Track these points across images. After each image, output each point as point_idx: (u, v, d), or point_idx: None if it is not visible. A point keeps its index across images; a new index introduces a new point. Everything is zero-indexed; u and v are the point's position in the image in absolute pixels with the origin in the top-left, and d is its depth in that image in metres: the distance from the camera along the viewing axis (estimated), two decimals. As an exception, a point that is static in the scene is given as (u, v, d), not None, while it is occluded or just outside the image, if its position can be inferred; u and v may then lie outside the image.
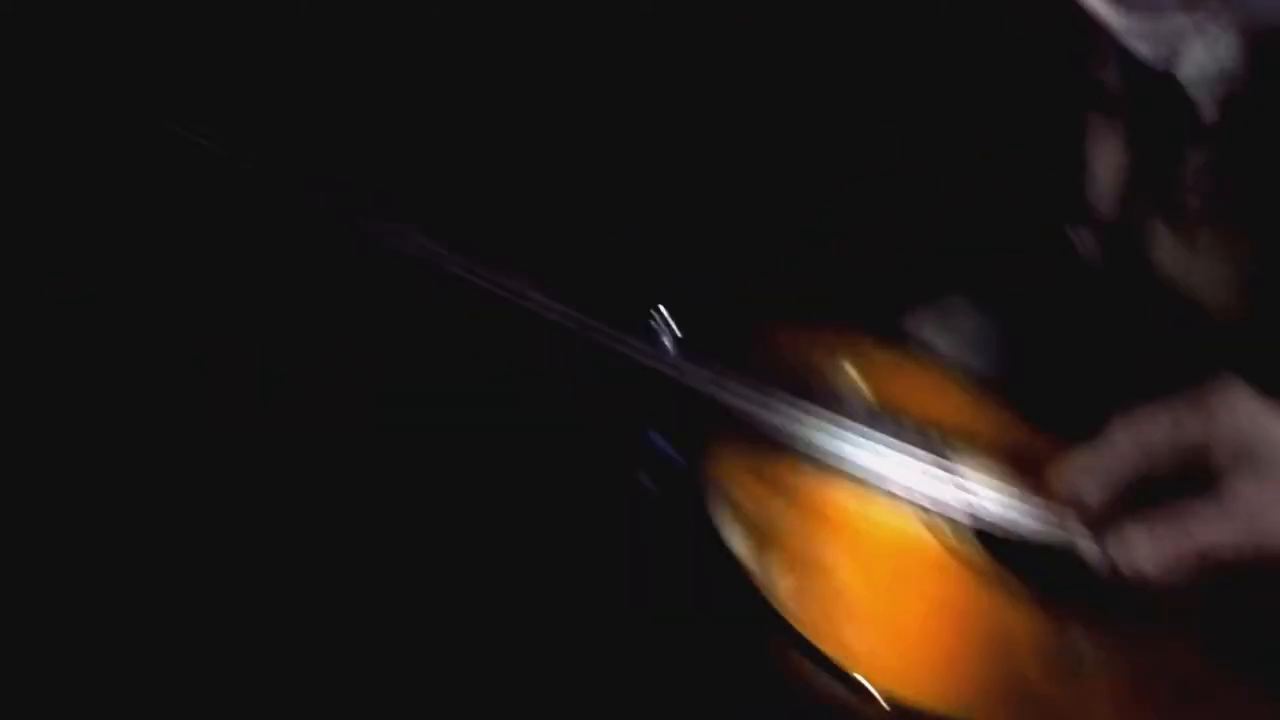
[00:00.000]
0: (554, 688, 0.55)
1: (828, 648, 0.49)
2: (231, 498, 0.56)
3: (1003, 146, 0.71)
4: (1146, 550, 0.55)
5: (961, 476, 0.59)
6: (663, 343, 0.57)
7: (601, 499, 0.56)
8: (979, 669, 0.52)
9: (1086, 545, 0.59)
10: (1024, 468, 0.62)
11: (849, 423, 0.58)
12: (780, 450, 0.56)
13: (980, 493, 0.59)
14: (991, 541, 0.58)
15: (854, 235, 0.72)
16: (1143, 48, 0.62)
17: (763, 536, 0.52)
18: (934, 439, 0.60)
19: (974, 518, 0.59)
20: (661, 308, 0.57)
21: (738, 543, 0.51)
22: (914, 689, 0.48)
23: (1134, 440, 0.58)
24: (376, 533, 0.57)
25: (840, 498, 0.56)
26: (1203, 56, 0.62)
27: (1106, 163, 0.69)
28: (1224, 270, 0.70)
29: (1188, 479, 0.59)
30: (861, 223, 0.72)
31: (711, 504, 0.52)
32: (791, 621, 0.49)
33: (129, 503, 0.55)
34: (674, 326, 0.58)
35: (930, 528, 0.57)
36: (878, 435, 0.58)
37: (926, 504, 0.57)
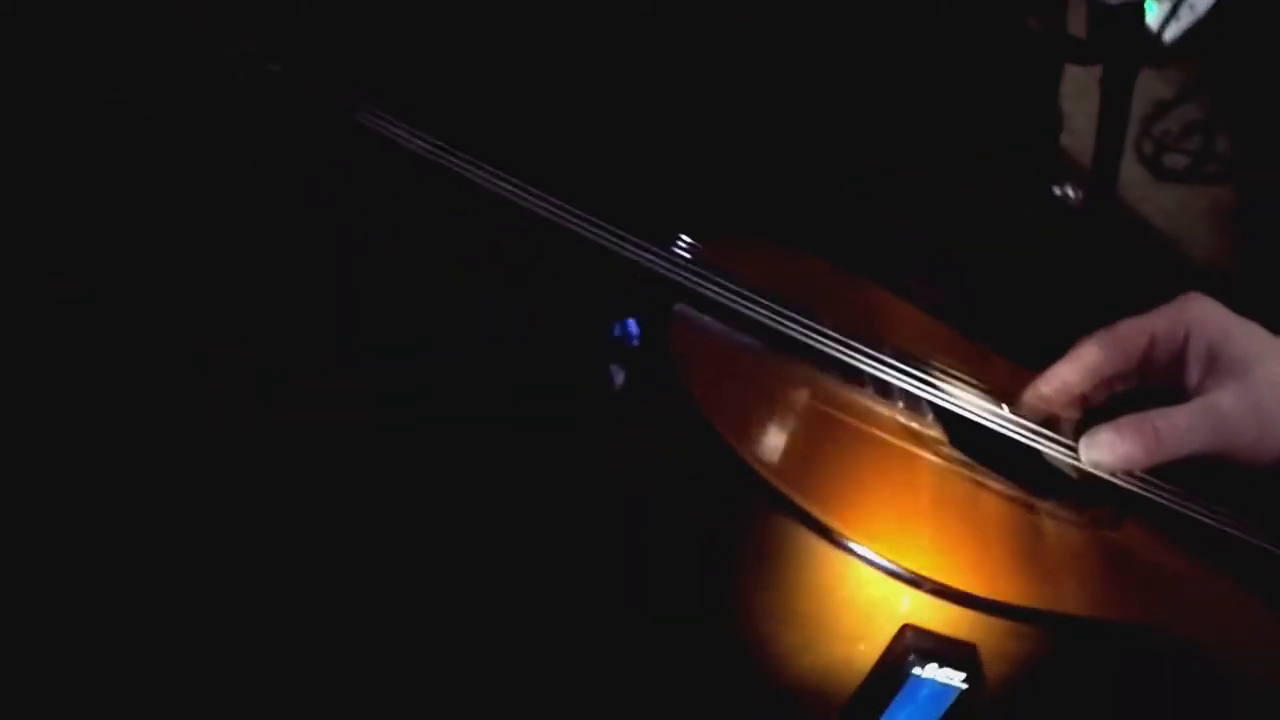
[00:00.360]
0: (553, 687, 0.55)
1: (828, 519, 0.49)
2: (231, 498, 0.56)
3: (985, 98, 0.71)
4: (1117, 451, 0.57)
5: (941, 388, 0.61)
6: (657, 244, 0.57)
7: (602, 498, 0.56)
8: (960, 548, 0.52)
9: (1059, 451, 0.60)
10: (999, 392, 0.64)
11: (840, 337, 0.59)
12: (776, 355, 0.57)
13: (957, 399, 0.61)
14: (967, 445, 0.59)
15: (846, 183, 0.72)
16: None
17: (759, 427, 0.52)
18: (914, 359, 0.62)
19: (951, 418, 0.60)
20: (685, 236, 0.58)
21: (729, 429, 0.51)
22: (909, 558, 0.49)
23: (1104, 348, 0.60)
24: (376, 533, 0.57)
25: (826, 403, 0.56)
26: None
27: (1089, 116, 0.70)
28: (1219, 231, 0.71)
29: (1154, 393, 0.61)
30: (853, 172, 0.72)
31: (695, 392, 0.51)
32: (790, 495, 0.49)
33: (129, 503, 0.55)
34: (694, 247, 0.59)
35: (908, 432, 0.58)
36: (866, 349, 0.59)
37: (907, 404, 0.59)
